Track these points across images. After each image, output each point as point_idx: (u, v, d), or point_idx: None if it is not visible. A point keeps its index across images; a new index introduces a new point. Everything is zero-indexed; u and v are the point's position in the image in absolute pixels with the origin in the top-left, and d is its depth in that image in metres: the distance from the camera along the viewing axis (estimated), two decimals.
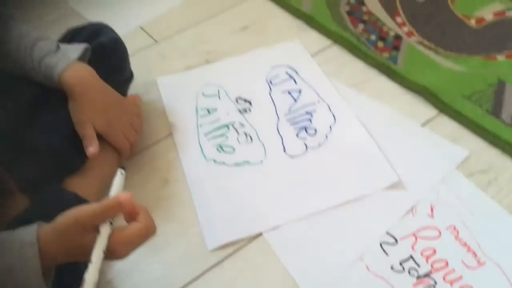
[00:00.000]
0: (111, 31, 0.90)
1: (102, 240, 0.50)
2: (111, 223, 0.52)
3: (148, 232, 0.53)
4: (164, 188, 0.84)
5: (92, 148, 0.76)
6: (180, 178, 0.85)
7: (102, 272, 0.51)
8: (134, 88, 0.97)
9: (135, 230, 0.52)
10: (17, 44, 0.77)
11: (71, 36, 0.88)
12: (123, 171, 0.58)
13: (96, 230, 0.51)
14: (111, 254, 0.51)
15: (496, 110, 0.87)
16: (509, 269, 0.69)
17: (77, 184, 0.77)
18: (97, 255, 0.49)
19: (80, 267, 0.61)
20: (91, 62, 0.81)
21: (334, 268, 0.71)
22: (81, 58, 0.79)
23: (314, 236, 0.75)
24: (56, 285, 0.55)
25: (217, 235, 0.76)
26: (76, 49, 0.79)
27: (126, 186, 0.58)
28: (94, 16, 1.20)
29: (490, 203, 0.76)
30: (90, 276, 0.49)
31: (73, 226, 0.51)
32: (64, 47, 0.79)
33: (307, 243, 0.74)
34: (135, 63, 0.96)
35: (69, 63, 0.76)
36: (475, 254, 0.70)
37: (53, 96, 0.80)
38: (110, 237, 0.51)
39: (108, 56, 0.86)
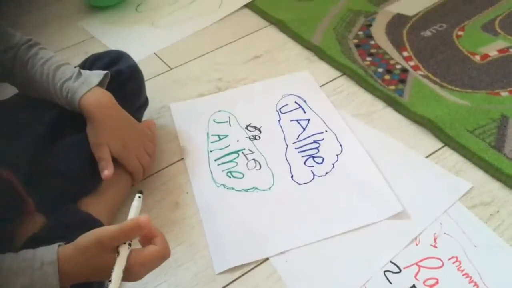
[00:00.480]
0: (130, 58, 0.94)
1: (121, 260, 0.52)
2: (129, 245, 0.54)
3: (165, 255, 0.55)
4: (175, 211, 0.86)
5: (107, 171, 0.79)
6: (191, 201, 0.87)
7: None
8: (148, 112, 1.01)
9: (153, 252, 0.54)
10: (41, 68, 0.81)
11: (91, 62, 0.91)
12: (140, 195, 0.60)
13: (115, 251, 0.53)
14: (128, 274, 0.53)
15: (499, 145, 0.89)
16: None
17: (91, 205, 0.79)
18: (116, 275, 0.51)
19: (93, 286, 0.64)
20: (109, 88, 0.83)
21: None
22: (101, 84, 0.82)
23: (319, 262, 0.76)
24: None
25: (224, 259, 0.78)
26: (96, 75, 0.82)
27: None
28: (112, 42, 1.24)
29: (492, 235, 0.78)
30: None
31: (93, 246, 0.53)
32: (85, 73, 0.82)
33: (312, 269, 0.76)
34: (150, 89, 1.00)
35: (89, 88, 0.79)
36: (476, 286, 0.72)
37: (71, 119, 0.83)
38: (129, 258, 0.53)
39: (126, 83, 0.90)
